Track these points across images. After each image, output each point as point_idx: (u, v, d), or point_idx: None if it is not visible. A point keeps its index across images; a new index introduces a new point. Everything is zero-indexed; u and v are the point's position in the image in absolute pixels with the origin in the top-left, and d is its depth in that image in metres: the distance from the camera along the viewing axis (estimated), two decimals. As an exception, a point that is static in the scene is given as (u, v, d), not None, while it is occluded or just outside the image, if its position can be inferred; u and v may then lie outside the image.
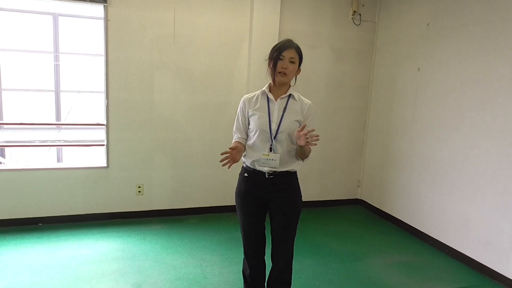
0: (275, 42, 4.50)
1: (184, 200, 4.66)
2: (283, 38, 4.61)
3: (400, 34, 4.66)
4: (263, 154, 2.40)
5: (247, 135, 2.54)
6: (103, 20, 4.07)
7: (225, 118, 4.64)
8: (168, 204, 4.61)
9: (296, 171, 2.52)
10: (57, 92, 5.61)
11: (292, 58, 2.36)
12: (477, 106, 3.67)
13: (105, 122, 4.26)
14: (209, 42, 4.44)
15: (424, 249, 4.12)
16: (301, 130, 2.24)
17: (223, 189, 4.79)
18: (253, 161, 2.46)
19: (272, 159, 2.39)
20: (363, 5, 4.94)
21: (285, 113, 2.42)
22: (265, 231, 2.58)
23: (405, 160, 4.58)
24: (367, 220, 4.92)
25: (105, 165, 4.33)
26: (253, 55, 4.50)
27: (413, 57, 4.45)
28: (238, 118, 2.56)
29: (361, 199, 5.39)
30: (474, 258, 3.70)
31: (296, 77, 2.51)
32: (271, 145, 2.40)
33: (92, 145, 4.52)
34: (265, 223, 2.56)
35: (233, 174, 4.79)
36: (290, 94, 2.46)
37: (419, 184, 4.37)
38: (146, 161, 4.44)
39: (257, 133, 2.43)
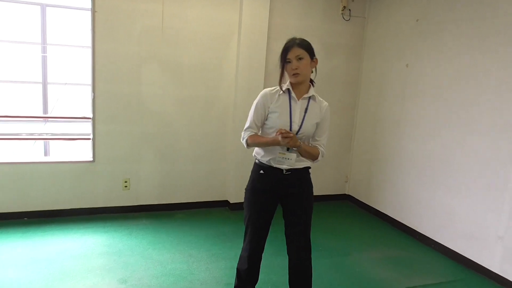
0: (264, 36, 4.52)
1: (171, 195, 4.63)
2: (273, 32, 4.68)
3: (389, 29, 4.67)
4: (280, 153, 2.39)
5: (260, 131, 2.50)
6: (90, 11, 4.00)
7: (214, 112, 4.61)
8: (155, 199, 4.57)
9: (309, 167, 2.52)
10: (45, 84, 5.51)
11: (298, 55, 2.34)
12: (464, 103, 3.70)
13: (91, 116, 4.20)
14: (198, 35, 4.39)
15: (411, 243, 4.16)
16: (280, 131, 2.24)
17: (211, 184, 4.76)
18: (269, 159, 2.43)
19: (288, 158, 2.38)
20: (353, 0, 4.93)
21: (306, 115, 2.41)
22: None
23: (393, 155, 4.60)
24: (355, 215, 4.95)
25: (91, 159, 4.27)
26: (242, 49, 4.47)
27: (402, 53, 4.46)
28: (256, 112, 2.46)
29: (349, 195, 5.41)
30: (459, 252, 3.74)
31: (316, 68, 2.47)
32: None
33: (78, 138, 4.45)
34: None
35: (220, 169, 4.81)
36: (311, 95, 2.43)
37: (406, 179, 4.39)
38: (133, 155, 4.39)
39: (275, 133, 2.35)
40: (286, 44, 2.38)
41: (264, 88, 4.55)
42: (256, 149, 2.53)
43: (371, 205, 4.98)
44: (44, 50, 4.35)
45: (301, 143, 2.35)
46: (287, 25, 4.68)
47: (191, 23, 4.34)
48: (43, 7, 4.99)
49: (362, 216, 4.91)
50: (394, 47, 4.60)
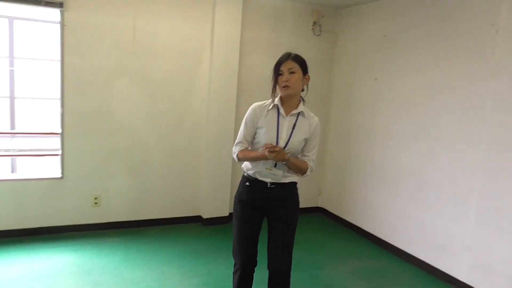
0: (236, 50, 4.55)
1: (143, 211, 4.54)
2: (245, 46, 4.71)
3: (359, 45, 4.79)
4: (266, 168, 2.39)
5: (251, 147, 2.52)
6: (59, 25, 3.93)
7: (186, 126, 4.59)
8: (126, 216, 4.47)
9: (296, 182, 2.53)
10: (12, 99, 5.34)
11: (290, 69, 2.36)
12: (430, 116, 3.81)
13: (60, 131, 4.10)
14: (170, 49, 4.38)
15: (383, 255, 4.21)
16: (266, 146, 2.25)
17: (183, 199, 4.71)
18: (255, 172, 2.45)
19: (274, 174, 2.39)
20: (323, 16, 5.04)
21: (294, 131, 2.42)
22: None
23: (363, 168, 4.68)
24: (328, 227, 4.98)
25: (60, 175, 4.15)
26: (214, 63, 4.48)
27: (371, 68, 4.57)
28: (246, 127, 2.47)
29: (322, 207, 5.46)
30: (430, 263, 3.81)
31: (307, 85, 2.50)
32: (275, 161, 2.36)
33: (46, 155, 4.32)
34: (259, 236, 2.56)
35: (193, 184, 4.76)
36: (300, 111, 2.45)
37: (378, 191, 4.47)
38: (103, 171, 4.30)
39: (262, 149, 2.36)
40: (281, 57, 2.41)
41: (236, 101, 4.62)
42: (245, 162, 2.54)
43: (343, 218, 5.03)
44: (11, 63, 4.25)
45: (290, 157, 2.35)
46: (259, 39, 4.74)
47: (163, 37, 4.33)
48: (11, 20, 4.88)
49: (335, 229, 4.95)
50: (363, 61, 4.71)
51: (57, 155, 4.17)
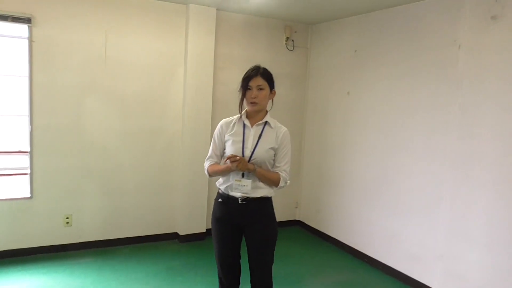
0: (211, 66, 4.56)
1: (116, 230, 4.43)
2: (219, 62, 4.72)
3: (331, 59, 4.88)
4: (235, 180, 2.40)
5: (222, 161, 2.54)
6: (27, 40, 3.84)
7: (159, 143, 4.53)
8: (99, 235, 4.35)
9: (270, 197, 2.52)
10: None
11: (259, 85, 2.40)
12: (400, 127, 3.91)
13: (28, 149, 3.97)
14: (143, 66, 4.34)
15: (361, 266, 4.24)
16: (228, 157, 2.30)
17: (159, 216, 4.63)
18: (226, 187, 2.46)
19: (244, 185, 2.39)
20: (296, 32, 5.12)
21: (259, 141, 2.44)
22: (241, 260, 2.58)
23: (339, 180, 4.73)
24: (306, 241, 4.98)
25: (29, 195, 4.01)
26: (188, 78, 4.47)
27: (343, 82, 4.66)
28: (214, 142, 2.56)
29: (299, 220, 5.47)
30: (405, 273, 3.86)
31: (273, 100, 2.54)
32: (243, 171, 2.38)
33: (14, 174, 4.17)
34: (241, 252, 2.55)
35: (169, 200, 4.69)
36: (266, 122, 2.48)
37: (352, 203, 4.52)
38: (75, 190, 4.18)
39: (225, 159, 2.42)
40: (250, 71, 2.43)
41: (211, 117, 4.61)
42: (219, 177, 2.56)
43: (321, 230, 5.05)
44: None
45: (256, 167, 2.37)
46: (233, 54, 4.76)
47: (136, 53, 4.29)
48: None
49: (313, 242, 4.95)
50: (335, 76, 4.80)
51: (25, 174, 4.03)
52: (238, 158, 2.29)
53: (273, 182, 2.46)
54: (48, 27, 3.88)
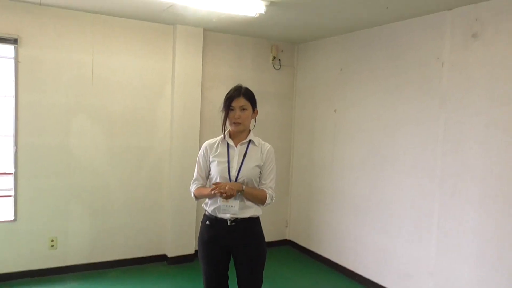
0: (198, 84, 4.57)
1: (103, 252, 4.33)
2: (206, 80, 4.74)
3: (317, 78, 4.94)
4: (223, 201, 2.37)
5: (208, 182, 2.53)
6: (13, 60, 3.82)
7: (147, 162, 4.49)
8: (86, 258, 4.24)
9: (258, 216, 2.49)
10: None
11: (242, 106, 2.41)
12: (388, 143, 3.94)
13: (13, 170, 3.90)
14: (130, 85, 4.34)
15: (351, 286, 4.19)
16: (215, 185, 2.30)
17: (146, 238, 4.54)
18: (214, 209, 2.43)
19: (232, 206, 2.36)
20: (282, 51, 5.19)
21: (245, 159, 2.43)
22: (229, 281, 2.53)
23: (328, 197, 4.72)
24: (296, 260, 4.93)
25: (13, 218, 3.92)
26: (176, 97, 4.47)
27: (330, 99, 4.71)
28: (199, 164, 2.55)
29: (290, 240, 5.42)
30: (397, 291, 3.83)
31: (255, 119, 2.54)
32: None
33: (-3, 196, 4.10)
34: (229, 272, 2.51)
35: (157, 221, 4.62)
36: (250, 140, 2.48)
37: (342, 220, 4.50)
38: (61, 212, 4.10)
39: (217, 180, 2.43)
40: (232, 91, 2.44)
41: (200, 136, 4.60)
42: (205, 199, 2.54)
43: (312, 249, 5.00)
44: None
45: (244, 187, 2.36)
46: (220, 73, 4.79)
47: (123, 72, 4.29)
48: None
49: (304, 261, 4.90)
50: (322, 94, 4.85)
51: (9, 196, 3.95)
52: (224, 189, 2.26)
53: (260, 200, 2.45)
54: (35, 47, 3.87)
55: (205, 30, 4.59)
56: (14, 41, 3.75)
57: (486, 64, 3.10)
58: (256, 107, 2.51)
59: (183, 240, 4.61)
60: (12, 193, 3.93)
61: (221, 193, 2.27)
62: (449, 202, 3.35)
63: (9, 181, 3.97)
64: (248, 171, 2.42)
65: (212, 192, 2.30)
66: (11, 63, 3.85)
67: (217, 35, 4.75)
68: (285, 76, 5.27)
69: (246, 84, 2.50)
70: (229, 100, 2.42)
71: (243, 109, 2.41)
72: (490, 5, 3.07)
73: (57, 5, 3.84)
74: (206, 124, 4.68)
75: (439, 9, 3.37)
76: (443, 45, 3.41)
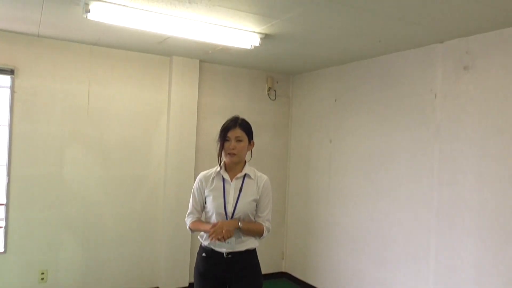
0: (194, 115, 4.59)
1: (95, 285, 4.21)
2: (202, 111, 4.76)
3: (312, 108, 4.98)
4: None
5: (204, 214, 2.50)
6: (9, 90, 3.83)
7: (142, 192, 4.45)
8: (76, 291, 4.14)
9: (255, 248, 2.46)
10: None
11: (238, 137, 2.39)
12: (383, 174, 3.93)
13: (5, 201, 3.84)
14: (126, 115, 4.35)
15: (349, 319, 4.09)
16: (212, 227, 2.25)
17: (139, 270, 4.44)
18: (210, 242, 2.38)
19: (228, 242, 2.32)
20: (277, 82, 5.25)
21: (240, 194, 2.40)
22: None
23: (325, 228, 4.67)
24: (292, 293, 4.82)
25: (3, 250, 3.83)
26: (171, 127, 4.48)
27: (325, 130, 4.73)
28: (194, 197, 2.50)
29: (286, 272, 5.31)
30: (396, 325, 3.73)
31: (252, 151, 2.53)
32: None
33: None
34: None
35: (150, 253, 4.53)
36: (245, 174, 2.44)
37: (339, 252, 4.43)
38: (52, 243, 4.02)
39: (213, 215, 2.40)
40: (228, 122, 2.44)
41: (195, 166, 4.58)
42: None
43: (308, 282, 4.90)
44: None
45: (240, 224, 2.33)
46: (216, 104, 4.82)
47: (119, 102, 4.31)
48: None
49: (299, 294, 4.79)
50: (317, 124, 4.88)
51: (0, 227, 3.87)
52: (221, 233, 2.22)
53: (257, 233, 2.42)
54: (31, 78, 3.89)
55: (201, 61, 4.65)
56: (11, 72, 3.77)
57: (478, 96, 3.14)
58: (252, 139, 2.50)
59: (177, 272, 4.50)
60: (2, 224, 3.86)
61: (219, 239, 2.23)
62: (447, 234, 3.32)
63: (0, 212, 3.90)
64: (245, 206, 2.39)
65: (210, 239, 2.26)
66: (7, 92, 3.86)
67: (213, 66, 4.81)
68: (280, 106, 5.31)
69: (241, 114, 2.51)
70: (225, 131, 2.41)
71: (239, 140, 2.40)
72: (480, 39, 3.14)
73: (55, 36, 3.90)
74: (201, 154, 4.67)
75: (430, 42, 3.44)
76: (436, 77, 3.47)
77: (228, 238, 2.24)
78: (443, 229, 3.34)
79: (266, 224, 2.44)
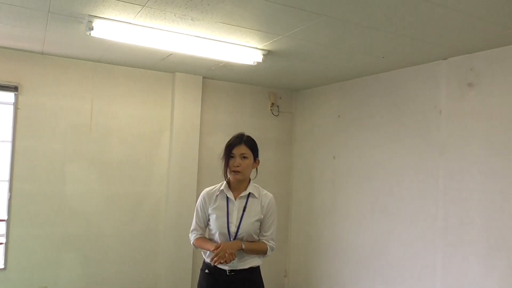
0: (197, 131, 4.58)
1: (95, 303, 4.16)
2: (205, 127, 4.75)
3: (315, 124, 4.96)
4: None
5: (207, 231, 2.48)
6: (12, 106, 3.84)
7: (144, 208, 4.41)
8: (76, 309, 4.07)
9: (258, 266, 2.43)
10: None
11: (243, 154, 2.36)
12: (388, 192, 3.87)
13: (5, 217, 3.82)
14: (128, 132, 4.34)
15: None
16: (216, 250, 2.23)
17: (141, 287, 4.37)
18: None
19: (231, 261, 2.27)
20: (280, 98, 5.24)
21: (244, 214, 2.37)
22: None
23: (328, 246, 4.59)
24: (295, 312, 4.73)
25: (3, 266, 3.79)
26: (174, 144, 4.46)
27: (328, 146, 4.70)
28: (197, 214, 2.47)
29: (289, 290, 5.23)
30: None
31: (257, 169, 2.50)
32: None
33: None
34: None
35: (151, 272, 4.47)
36: (249, 193, 2.41)
37: (343, 270, 4.35)
38: (52, 260, 3.97)
39: (216, 234, 2.37)
40: (234, 139, 2.42)
41: (197, 183, 4.54)
42: None
43: (311, 300, 4.82)
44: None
45: (244, 245, 2.29)
46: (219, 120, 4.81)
47: (121, 119, 4.31)
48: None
49: (303, 313, 4.70)
50: (320, 140, 4.85)
51: (1, 243, 3.84)
52: (224, 257, 2.19)
53: (260, 253, 2.39)
54: (35, 95, 3.90)
55: (204, 77, 4.66)
56: (14, 89, 3.79)
57: (483, 113, 3.11)
58: (258, 156, 2.47)
59: (179, 290, 4.44)
60: (3, 240, 3.82)
61: (221, 263, 2.21)
62: (453, 253, 3.24)
63: (1, 228, 3.87)
64: (248, 227, 2.35)
65: (213, 263, 2.23)
66: (10, 109, 3.87)
67: (216, 82, 4.82)
68: (283, 122, 5.29)
69: (244, 130, 2.51)
70: (229, 147, 2.39)
71: (244, 157, 2.37)
72: (484, 56, 3.12)
73: (59, 54, 3.92)
74: (204, 171, 4.64)
75: (434, 58, 3.43)
76: (440, 94, 3.44)
77: (231, 261, 2.21)
78: (449, 248, 3.28)
79: (270, 244, 2.41)
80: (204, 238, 2.47)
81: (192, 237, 2.49)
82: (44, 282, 3.94)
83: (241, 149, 2.37)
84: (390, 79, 3.94)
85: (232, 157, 2.37)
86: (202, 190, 2.56)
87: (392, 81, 3.92)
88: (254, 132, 5.02)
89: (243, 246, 2.29)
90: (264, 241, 2.41)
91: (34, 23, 3.00)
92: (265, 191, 2.50)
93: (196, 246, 2.47)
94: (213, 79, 4.77)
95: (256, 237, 2.41)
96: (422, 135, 3.57)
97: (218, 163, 4.91)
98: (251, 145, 2.43)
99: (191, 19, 2.74)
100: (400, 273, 3.69)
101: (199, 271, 2.52)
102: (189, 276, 4.48)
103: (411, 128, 3.69)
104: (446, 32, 2.78)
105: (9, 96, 3.85)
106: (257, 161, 2.47)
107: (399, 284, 3.69)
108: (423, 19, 2.56)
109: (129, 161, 4.34)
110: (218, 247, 2.23)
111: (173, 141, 4.47)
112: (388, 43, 3.09)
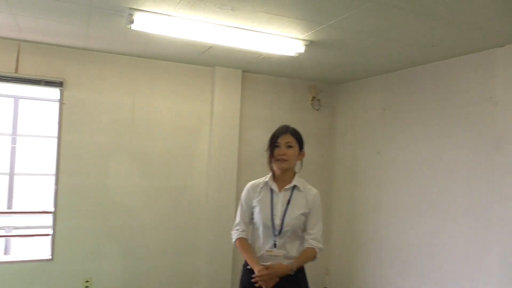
0: (236, 126, 4.53)
1: (137, 295, 4.22)
2: (244, 122, 4.70)
3: (358, 118, 4.78)
4: (267, 251, 2.26)
5: (252, 226, 2.42)
6: (58, 103, 3.95)
7: (184, 202, 4.43)
8: (119, 300, 4.15)
9: (303, 266, 2.36)
10: (11, 175, 5.27)
11: (288, 142, 2.30)
12: (437, 189, 3.67)
13: (52, 209, 3.94)
14: (169, 126, 4.36)
15: None
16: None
17: (180, 283, 4.40)
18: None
19: (276, 255, 2.24)
20: (321, 91, 5.10)
21: (289, 207, 2.30)
22: None
23: (372, 245, 4.42)
24: (337, 311, 4.60)
25: (50, 257, 3.92)
26: (214, 139, 4.44)
27: (372, 141, 4.52)
28: (242, 207, 2.42)
29: (330, 288, 5.11)
30: None
31: (302, 161, 2.43)
32: (274, 241, 2.25)
33: (36, 235, 4.12)
34: None
35: (191, 266, 4.48)
36: (294, 185, 2.35)
37: (389, 270, 4.17)
38: (96, 252, 4.06)
39: (260, 228, 2.31)
40: (278, 129, 2.36)
41: (237, 177, 4.51)
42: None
43: (353, 300, 4.67)
44: (13, 141, 4.24)
45: (292, 266, 2.23)
46: (258, 114, 4.74)
47: (162, 114, 4.33)
48: (16, 99, 4.97)
49: (345, 313, 4.57)
50: (364, 135, 4.67)
51: (48, 235, 3.96)
52: (268, 282, 2.15)
53: (311, 260, 2.32)
54: (79, 90, 3.99)
55: (243, 71, 4.60)
56: (60, 84, 3.89)
57: (546, 104, 2.86)
58: (303, 148, 2.39)
59: (219, 285, 4.42)
60: (50, 231, 3.95)
61: (263, 280, 2.17)
62: (510, 254, 3.02)
63: (48, 220, 4.00)
64: (293, 220, 2.27)
65: (255, 281, 2.18)
66: (56, 105, 3.97)
67: (256, 76, 4.74)
68: (324, 116, 5.14)
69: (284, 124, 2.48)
70: (275, 137, 2.33)
71: (289, 146, 2.30)
72: (548, 41, 2.87)
73: (101, 49, 3.99)
74: (244, 165, 4.59)
75: (489, 46, 3.19)
76: (496, 84, 3.19)
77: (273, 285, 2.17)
78: (506, 249, 3.04)
79: (318, 246, 2.32)
80: (249, 246, 2.36)
81: (235, 234, 2.40)
82: (89, 273, 4.03)
83: (286, 138, 2.31)
84: (439, 69, 3.72)
85: (278, 146, 2.30)
86: (242, 186, 2.50)
87: (442, 72, 3.69)
88: (294, 126, 4.94)
89: (293, 267, 2.21)
90: (311, 242, 2.31)
91: (76, 18, 3.05)
92: (310, 186, 2.41)
93: (238, 248, 2.38)
94: (253, 72, 4.70)
95: (300, 233, 2.33)
96: (476, 129, 3.34)
97: (257, 158, 4.83)
98: (297, 135, 2.37)
99: (231, 9, 2.68)
100: (450, 274, 3.48)
101: (239, 266, 2.47)
102: (229, 271, 4.45)
103: (463, 121, 3.46)
104: (504, 16, 2.55)
105: (54, 93, 3.96)
106: (302, 152, 2.38)
107: (447, 286, 3.48)
108: (479, 3, 2.37)
109: (169, 155, 4.36)
110: (268, 270, 2.17)
111: (212, 135, 4.45)
112: (439, 30, 2.90)
